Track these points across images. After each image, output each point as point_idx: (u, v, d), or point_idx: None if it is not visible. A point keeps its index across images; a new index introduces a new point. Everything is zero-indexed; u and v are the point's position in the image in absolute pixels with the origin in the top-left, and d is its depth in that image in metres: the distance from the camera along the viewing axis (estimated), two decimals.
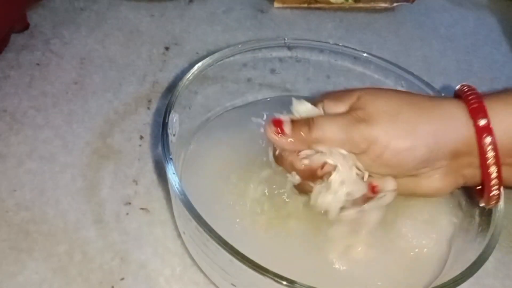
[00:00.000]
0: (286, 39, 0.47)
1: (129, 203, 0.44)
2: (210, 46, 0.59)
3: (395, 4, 0.69)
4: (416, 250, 0.39)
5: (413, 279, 0.38)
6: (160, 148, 0.40)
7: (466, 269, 0.34)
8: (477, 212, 0.40)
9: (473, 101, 0.33)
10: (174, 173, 0.36)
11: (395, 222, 0.40)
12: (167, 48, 0.58)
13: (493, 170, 0.33)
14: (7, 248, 0.40)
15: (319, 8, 0.67)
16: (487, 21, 0.71)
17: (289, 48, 0.48)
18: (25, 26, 0.56)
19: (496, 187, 0.34)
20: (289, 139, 0.35)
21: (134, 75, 0.54)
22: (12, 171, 0.44)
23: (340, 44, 0.48)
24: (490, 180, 0.34)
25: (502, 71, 0.63)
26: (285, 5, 0.67)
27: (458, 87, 0.36)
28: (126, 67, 0.55)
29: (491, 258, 0.35)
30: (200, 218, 0.33)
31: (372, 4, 0.68)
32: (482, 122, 0.32)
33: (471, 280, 0.33)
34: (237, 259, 0.32)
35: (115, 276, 0.39)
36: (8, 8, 0.49)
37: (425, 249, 0.39)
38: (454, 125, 0.33)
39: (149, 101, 0.52)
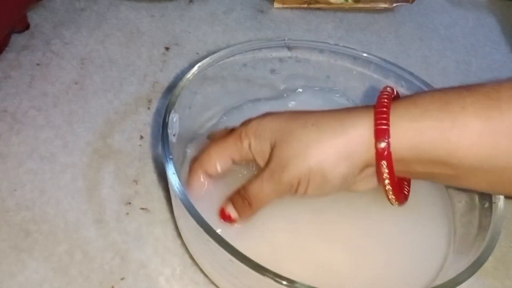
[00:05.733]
0: (286, 39, 0.47)
1: (129, 203, 0.44)
2: (210, 46, 0.59)
3: (394, 4, 0.69)
4: (416, 250, 0.39)
5: (412, 279, 0.38)
6: (160, 148, 0.40)
7: (466, 269, 0.34)
8: (477, 212, 0.40)
9: (380, 119, 0.35)
10: (174, 173, 0.36)
11: (394, 223, 0.40)
12: (167, 48, 0.58)
13: (387, 182, 0.36)
14: (7, 248, 0.40)
15: (319, 8, 0.67)
16: (487, 21, 0.71)
17: (289, 48, 0.48)
18: (26, 26, 0.56)
19: (391, 193, 0.37)
20: (239, 221, 0.38)
21: (134, 75, 0.55)
22: (12, 171, 0.45)
23: (340, 44, 0.48)
24: (386, 190, 0.37)
25: (502, 71, 0.63)
26: (285, 5, 0.67)
27: (381, 90, 0.37)
28: (127, 67, 0.55)
29: (491, 258, 0.35)
30: (200, 218, 0.33)
31: (372, 4, 0.68)
32: (382, 145, 0.34)
33: (471, 280, 0.33)
34: (237, 259, 0.32)
35: (115, 275, 0.39)
36: (8, 8, 0.49)
37: (425, 249, 0.39)
38: (360, 147, 0.35)
39: (149, 101, 0.52)
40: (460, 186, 0.39)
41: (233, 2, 0.66)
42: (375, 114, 0.35)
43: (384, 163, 0.35)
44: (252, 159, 0.38)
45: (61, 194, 0.44)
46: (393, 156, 0.34)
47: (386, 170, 0.35)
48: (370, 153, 0.35)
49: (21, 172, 0.45)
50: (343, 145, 0.35)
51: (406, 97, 0.37)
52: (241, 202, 0.37)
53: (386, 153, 0.34)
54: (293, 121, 0.37)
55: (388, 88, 0.37)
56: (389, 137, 0.34)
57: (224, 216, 0.38)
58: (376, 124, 0.35)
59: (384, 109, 0.35)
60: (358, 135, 0.35)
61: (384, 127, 0.34)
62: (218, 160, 0.38)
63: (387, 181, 0.36)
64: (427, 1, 0.72)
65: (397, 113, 0.35)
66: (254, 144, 0.37)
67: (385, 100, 0.36)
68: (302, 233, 0.39)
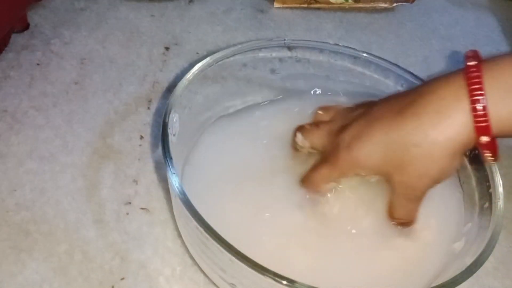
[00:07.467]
0: (286, 39, 0.47)
1: (129, 203, 0.44)
2: (210, 46, 0.59)
3: (395, 4, 0.69)
4: (416, 250, 0.39)
5: (412, 279, 0.38)
6: (160, 148, 0.40)
7: (466, 269, 0.34)
8: (477, 212, 0.40)
9: (478, 116, 0.35)
10: (174, 173, 0.36)
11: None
12: (167, 48, 0.58)
13: (489, 158, 0.37)
14: (7, 248, 0.40)
15: (319, 8, 0.67)
16: (487, 21, 0.71)
17: (289, 48, 0.48)
18: (26, 26, 0.56)
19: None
20: None
21: (134, 75, 0.55)
22: (12, 171, 0.45)
23: (340, 44, 0.48)
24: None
25: None
26: (285, 5, 0.67)
27: (466, 61, 0.36)
28: (126, 67, 0.55)
29: (491, 258, 0.35)
30: (200, 218, 0.33)
31: (372, 4, 0.68)
32: (484, 139, 0.35)
33: (471, 280, 0.33)
34: (237, 258, 0.32)
35: (115, 276, 0.39)
36: (8, 8, 0.49)
37: (425, 249, 0.39)
38: (464, 141, 0.36)
39: (149, 101, 0.52)
40: None
41: (233, 2, 0.66)
42: (472, 110, 0.35)
43: (487, 152, 0.36)
44: None
45: (61, 194, 0.44)
46: (493, 132, 0.35)
47: (490, 154, 0.37)
48: (472, 142, 0.36)
49: (21, 172, 0.45)
50: (452, 148, 0.36)
51: (492, 70, 0.35)
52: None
53: (489, 144, 0.35)
54: (394, 149, 0.37)
55: (472, 67, 0.36)
56: (490, 132, 0.35)
57: None
58: (475, 122, 0.35)
59: (481, 107, 0.35)
60: (459, 133, 0.36)
61: (484, 124, 0.35)
62: (324, 184, 0.41)
63: (489, 157, 0.37)
64: (427, 1, 0.72)
65: (494, 94, 0.35)
66: (363, 172, 0.39)
67: (478, 92, 0.35)
68: (305, 230, 0.39)
